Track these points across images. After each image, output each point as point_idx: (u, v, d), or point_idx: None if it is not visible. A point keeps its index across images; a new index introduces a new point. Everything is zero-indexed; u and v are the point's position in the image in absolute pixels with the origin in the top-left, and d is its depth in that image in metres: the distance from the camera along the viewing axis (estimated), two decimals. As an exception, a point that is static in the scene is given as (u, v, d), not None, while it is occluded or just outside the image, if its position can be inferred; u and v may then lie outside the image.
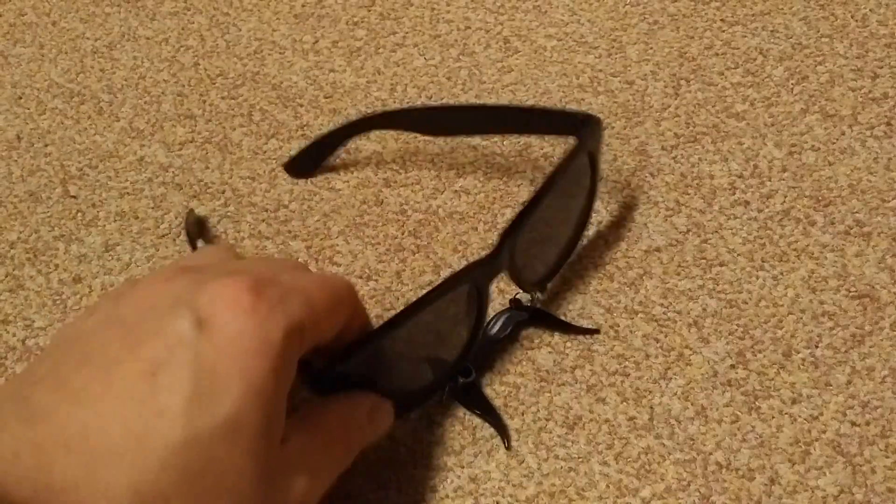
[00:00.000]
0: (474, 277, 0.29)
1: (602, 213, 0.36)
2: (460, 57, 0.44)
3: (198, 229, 0.37)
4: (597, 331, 0.32)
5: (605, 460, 0.29)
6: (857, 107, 0.40)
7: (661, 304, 0.33)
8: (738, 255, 0.35)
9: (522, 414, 0.31)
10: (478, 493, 0.29)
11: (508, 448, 0.30)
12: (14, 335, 0.34)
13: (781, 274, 0.34)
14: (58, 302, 0.35)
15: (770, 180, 0.37)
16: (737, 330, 0.32)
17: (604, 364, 0.32)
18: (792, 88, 0.41)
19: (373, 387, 0.27)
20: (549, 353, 0.32)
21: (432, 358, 0.30)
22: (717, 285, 0.34)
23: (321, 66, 0.44)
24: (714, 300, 0.33)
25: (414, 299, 0.27)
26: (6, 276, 0.36)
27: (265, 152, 0.40)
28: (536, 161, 0.39)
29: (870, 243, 0.35)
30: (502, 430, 0.30)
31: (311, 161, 0.39)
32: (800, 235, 0.35)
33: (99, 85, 0.44)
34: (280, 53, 0.45)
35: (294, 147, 0.40)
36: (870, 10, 0.44)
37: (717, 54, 0.43)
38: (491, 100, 0.42)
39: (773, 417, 0.30)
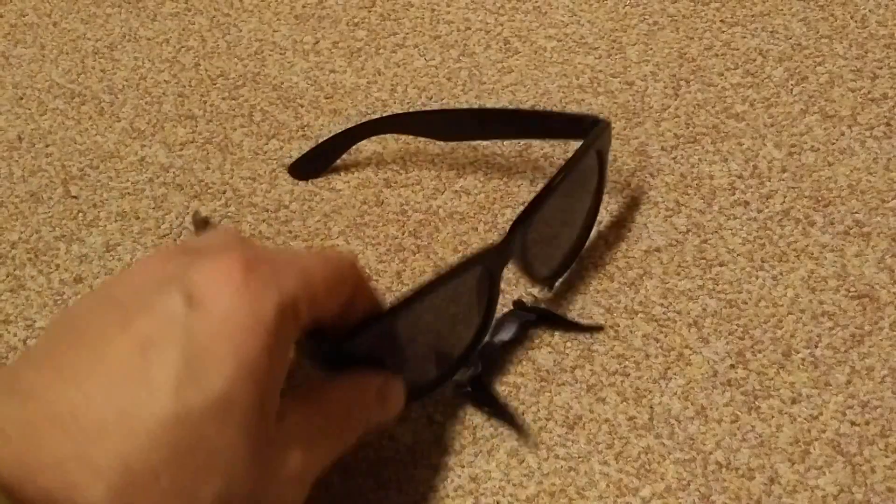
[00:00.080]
0: (486, 262, 0.29)
1: (602, 213, 0.36)
2: (460, 58, 0.44)
3: (204, 228, 0.37)
4: (601, 327, 0.32)
5: (606, 460, 0.29)
6: (856, 107, 0.40)
7: (661, 304, 0.33)
8: (738, 255, 0.35)
9: (523, 414, 0.31)
10: (478, 493, 0.29)
11: (524, 437, 0.30)
12: (15, 335, 0.34)
13: (781, 274, 0.34)
14: (59, 302, 0.35)
15: (770, 181, 0.37)
16: (736, 330, 0.32)
17: (604, 364, 0.32)
18: (791, 89, 0.41)
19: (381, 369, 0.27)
20: (550, 352, 0.32)
21: (442, 344, 0.30)
22: (717, 285, 0.34)
23: (322, 67, 0.44)
24: (714, 300, 0.33)
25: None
26: (7, 276, 0.36)
27: (266, 153, 0.40)
28: (536, 161, 0.39)
29: (869, 243, 0.35)
30: (516, 425, 0.30)
31: (315, 164, 0.39)
32: (799, 235, 0.35)
33: (100, 85, 0.44)
34: (281, 54, 0.45)
35: (295, 147, 0.40)
36: (869, 11, 0.44)
37: (716, 55, 0.43)
38: (491, 100, 0.42)
39: (773, 417, 0.30)
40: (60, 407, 0.21)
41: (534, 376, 0.32)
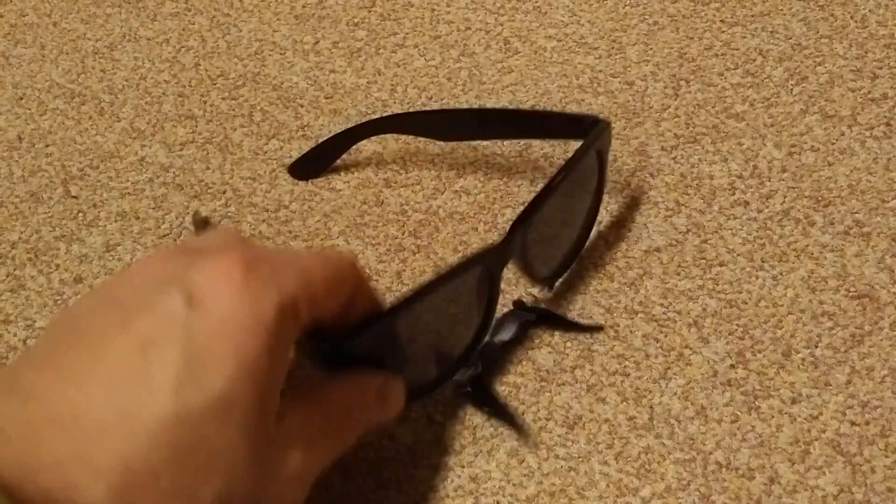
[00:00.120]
0: (486, 262, 0.29)
1: (602, 213, 0.36)
2: (460, 58, 0.44)
3: (204, 228, 0.37)
4: (601, 327, 0.32)
5: (606, 460, 0.29)
6: (856, 107, 0.40)
7: (661, 304, 0.33)
8: (738, 255, 0.35)
9: (523, 414, 0.31)
10: (478, 493, 0.29)
11: (524, 436, 0.30)
12: (15, 335, 0.34)
13: (781, 274, 0.34)
14: (59, 302, 0.35)
15: (770, 181, 0.37)
16: (736, 330, 0.32)
17: (604, 364, 0.32)
18: (791, 89, 0.41)
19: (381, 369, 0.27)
20: (549, 353, 0.32)
21: (442, 344, 0.30)
22: (717, 285, 0.34)
23: (322, 67, 0.44)
24: (714, 300, 0.33)
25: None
26: (7, 276, 0.36)
27: (266, 153, 0.40)
28: (536, 162, 0.39)
29: (869, 243, 0.35)
30: (516, 425, 0.30)
31: (315, 164, 0.39)
32: (799, 235, 0.35)
33: (100, 85, 0.44)
34: (281, 54, 0.45)
35: (295, 147, 0.40)
36: (869, 11, 0.44)
37: (716, 55, 0.43)
38: (491, 100, 0.42)
39: (773, 417, 0.30)
40: (61, 407, 0.21)
41: (534, 376, 0.32)
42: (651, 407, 0.30)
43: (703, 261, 0.35)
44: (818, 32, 0.43)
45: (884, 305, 0.33)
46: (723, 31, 0.44)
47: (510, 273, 0.33)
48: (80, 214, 0.39)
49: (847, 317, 0.32)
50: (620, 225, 0.36)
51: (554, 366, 0.32)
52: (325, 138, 0.40)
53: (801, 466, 0.29)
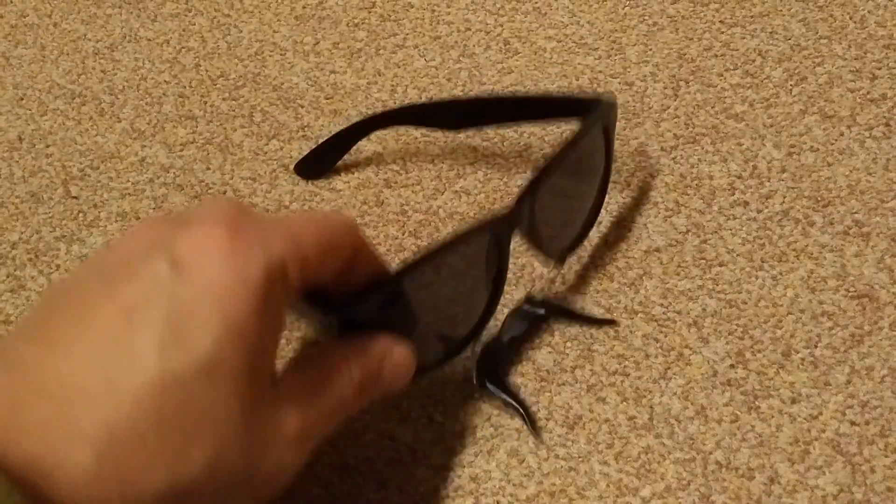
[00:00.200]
0: (494, 229, 0.28)
1: (602, 213, 0.36)
2: (460, 58, 0.44)
3: None
4: (613, 321, 0.33)
5: (606, 460, 0.29)
6: (855, 108, 0.40)
7: (661, 305, 0.33)
8: (738, 255, 0.35)
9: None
10: (478, 493, 0.29)
11: (533, 429, 0.30)
12: (16, 335, 0.34)
13: (781, 274, 0.34)
14: (59, 302, 0.35)
15: (769, 181, 0.37)
16: (736, 330, 0.32)
17: (604, 364, 0.32)
18: (791, 89, 0.41)
19: None
20: (549, 352, 0.32)
21: (451, 316, 0.29)
22: (717, 285, 0.34)
23: (322, 68, 0.44)
24: (714, 300, 0.33)
25: None
26: (7, 277, 0.36)
27: (266, 153, 0.40)
28: (537, 162, 0.39)
29: (869, 243, 0.35)
30: (522, 415, 0.30)
31: (322, 162, 0.39)
32: (799, 236, 0.35)
33: (100, 86, 0.45)
34: (281, 55, 0.45)
35: (295, 148, 0.40)
36: (868, 12, 0.44)
37: (716, 56, 0.43)
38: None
39: (773, 417, 0.30)
40: (45, 376, 0.21)
41: (534, 376, 0.32)
42: (651, 407, 0.30)
43: (703, 261, 0.35)
44: (817, 33, 0.44)
45: (883, 305, 0.33)
46: (722, 32, 0.44)
47: (516, 268, 0.33)
48: (81, 215, 0.39)
49: (847, 317, 0.33)
50: (620, 225, 0.36)
51: (554, 366, 0.32)
52: (327, 137, 0.40)
53: (800, 466, 0.29)
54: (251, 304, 0.22)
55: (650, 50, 0.43)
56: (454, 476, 0.29)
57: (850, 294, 0.33)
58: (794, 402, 0.30)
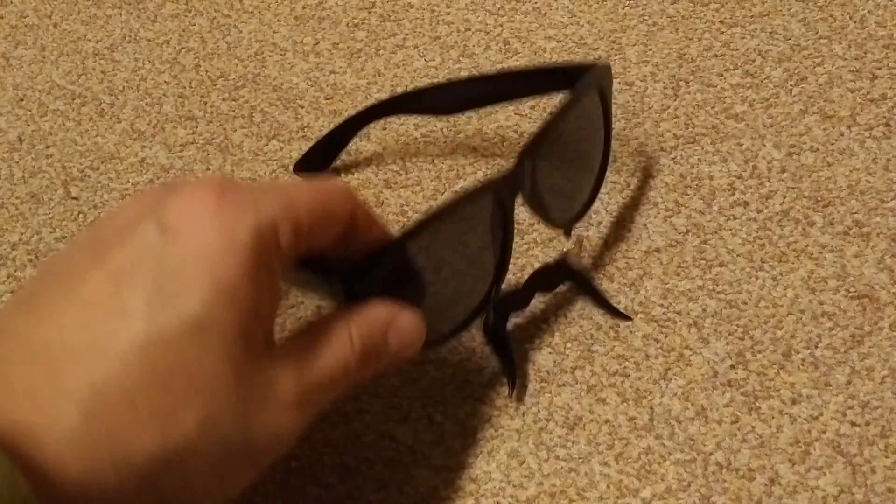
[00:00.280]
0: (496, 190, 0.28)
1: (602, 213, 0.36)
2: (460, 58, 0.44)
3: None
4: (630, 318, 0.33)
5: (606, 461, 0.29)
6: (855, 108, 0.40)
7: (661, 305, 0.33)
8: (738, 255, 0.35)
9: (523, 414, 0.31)
10: (478, 494, 0.29)
11: (510, 396, 0.30)
12: (16, 336, 0.34)
13: (781, 274, 0.34)
14: (59, 303, 0.35)
15: (769, 181, 0.37)
16: (736, 330, 0.32)
17: (604, 364, 0.32)
18: (791, 89, 0.41)
19: None
20: (550, 353, 0.32)
21: (458, 285, 0.29)
22: (717, 286, 0.34)
23: (322, 68, 0.44)
24: (714, 301, 0.33)
25: None
26: (8, 278, 0.36)
27: (266, 153, 0.40)
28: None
29: (869, 244, 0.35)
30: (511, 375, 0.30)
31: (320, 159, 0.39)
32: (799, 236, 0.35)
33: (100, 87, 0.45)
34: (281, 55, 0.45)
35: (295, 148, 0.40)
36: (868, 12, 0.44)
37: (716, 56, 0.43)
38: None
39: (773, 417, 0.30)
40: (35, 343, 0.21)
41: (534, 377, 0.32)
42: (651, 408, 0.30)
43: (703, 261, 0.35)
44: (817, 33, 0.44)
45: (884, 306, 0.33)
46: (722, 32, 0.44)
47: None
48: (81, 216, 0.39)
49: (847, 317, 0.33)
50: (620, 225, 0.36)
51: (554, 366, 0.32)
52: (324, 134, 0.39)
53: (801, 467, 0.29)
54: (241, 265, 0.22)
55: (650, 50, 0.43)
56: (454, 477, 0.29)
57: (850, 294, 0.33)
58: (794, 402, 0.30)
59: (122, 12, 0.49)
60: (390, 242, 0.26)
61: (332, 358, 0.24)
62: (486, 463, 0.29)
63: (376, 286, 0.26)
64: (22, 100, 0.44)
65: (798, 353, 0.32)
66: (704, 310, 0.33)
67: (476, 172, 0.39)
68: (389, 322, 0.25)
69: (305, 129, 0.41)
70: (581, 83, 0.32)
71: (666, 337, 0.32)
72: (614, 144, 0.39)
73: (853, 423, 0.30)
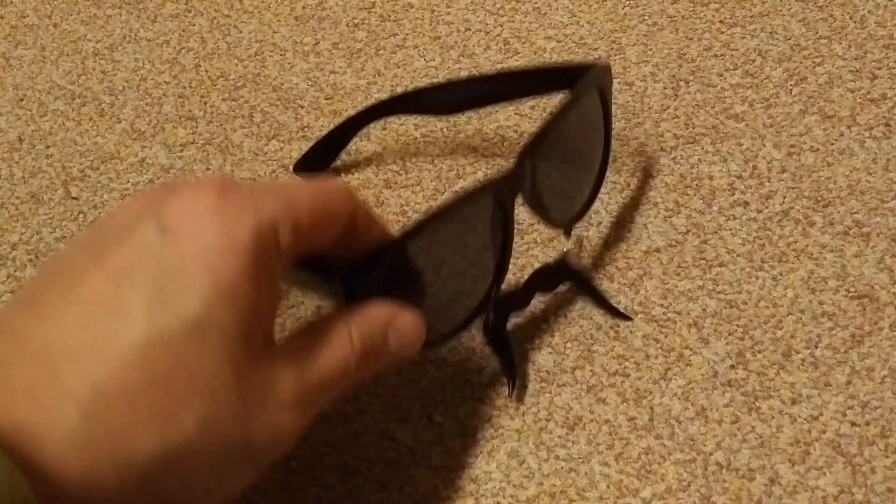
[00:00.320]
0: (496, 190, 0.28)
1: (602, 213, 0.36)
2: (460, 58, 0.44)
3: None
4: (630, 318, 0.33)
5: (606, 461, 0.29)
6: (855, 108, 0.40)
7: (661, 305, 0.33)
8: (738, 255, 0.35)
9: (523, 414, 0.31)
10: (478, 494, 0.29)
11: (510, 396, 0.30)
12: (16, 336, 0.34)
13: (781, 274, 0.34)
14: (59, 303, 0.35)
15: (769, 181, 0.37)
16: (736, 330, 0.32)
17: (604, 365, 0.32)
18: (791, 89, 0.41)
19: None
20: (550, 353, 0.32)
21: (458, 286, 0.29)
22: (717, 286, 0.34)
23: (322, 68, 0.44)
24: (714, 301, 0.33)
25: None
26: (8, 278, 0.36)
27: (266, 154, 0.40)
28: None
29: (869, 244, 0.35)
30: (511, 375, 0.30)
31: (320, 160, 0.39)
32: (799, 236, 0.35)
33: (100, 87, 0.45)
34: (281, 55, 0.45)
35: (295, 148, 0.40)
36: (868, 12, 0.44)
37: (716, 56, 0.43)
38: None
39: (773, 417, 0.30)
40: (35, 343, 0.21)
41: (534, 377, 0.32)
42: (651, 408, 0.30)
43: (703, 261, 0.35)
44: (817, 33, 0.44)
45: (884, 306, 0.33)
46: (722, 32, 0.44)
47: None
48: (81, 216, 0.39)
49: (847, 317, 0.33)
50: (620, 225, 0.36)
51: (554, 366, 0.32)
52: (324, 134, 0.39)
53: (801, 467, 0.29)
54: (241, 265, 0.22)
55: (650, 50, 0.43)
56: (454, 477, 0.29)
57: (850, 294, 0.33)
58: (794, 402, 0.30)
59: (122, 12, 0.49)
60: (390, 242, 0.26)
61: (332, 358, 0.24)
62: (486, 463, 0.29)
63: (376, 286, 0.26)
64: (22, 100, 0.44)
65: (798, 353, 0.32)
66: (704, 310, 0.33)
67: (476, 172, 0.39)
68: (389, 322, 0.26)
69: (305, 129, 0.41)
70: (581, 83, 0.32)
71: (666, 337, 0.32)
72: (614, 144, 0.39)
73: (853, 423, 0.30)
